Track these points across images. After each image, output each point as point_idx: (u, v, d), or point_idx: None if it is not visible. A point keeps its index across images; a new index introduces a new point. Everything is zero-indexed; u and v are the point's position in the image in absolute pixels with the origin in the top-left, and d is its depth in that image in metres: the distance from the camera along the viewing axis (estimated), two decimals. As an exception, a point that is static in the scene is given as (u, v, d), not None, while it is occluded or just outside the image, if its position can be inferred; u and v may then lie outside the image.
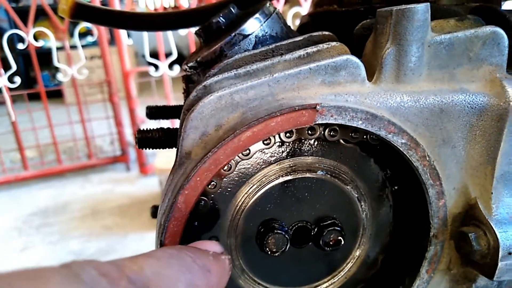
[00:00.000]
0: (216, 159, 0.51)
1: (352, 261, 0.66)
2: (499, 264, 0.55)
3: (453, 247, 0.61)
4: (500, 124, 0.57)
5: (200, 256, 0.46)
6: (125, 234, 2.96)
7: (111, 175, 4.20)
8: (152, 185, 3.73)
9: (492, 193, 0.58)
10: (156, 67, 3.95)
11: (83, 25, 4.73)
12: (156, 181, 3.56)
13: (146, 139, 0.66)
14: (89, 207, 3.48)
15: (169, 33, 3.65)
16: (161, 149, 0.69)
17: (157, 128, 0.67)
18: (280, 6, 3.80)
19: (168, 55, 3.90)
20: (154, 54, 3.90)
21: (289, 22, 3.64)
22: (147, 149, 0.67)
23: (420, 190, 0.59)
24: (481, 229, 0.57)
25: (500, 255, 0.55)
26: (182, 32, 3.99)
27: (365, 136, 0.60)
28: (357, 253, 0.66)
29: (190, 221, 0.56)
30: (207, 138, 0.54)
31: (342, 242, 0.61)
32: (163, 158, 3.27)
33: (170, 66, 3.96)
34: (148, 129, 0.67)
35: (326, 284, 0.67)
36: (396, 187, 0.65)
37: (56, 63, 3.99)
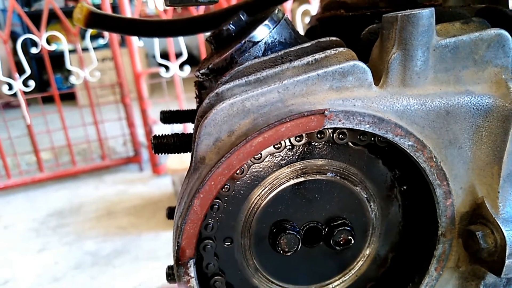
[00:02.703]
0: (229, 164, 0.53)
1: (362, 259, 0.68)
2: (507, 261, 0.56)
3: (461, 245, 0.62)
4: (505, 125, 0.58)
5: None
6: (139, 234, 3.00)
7: (125, 175, 4.25)
8: (165, 185, 3.77)
9: (499, 192, 0.59)
10: (167, 68, 3.98)
11: (94, 28, 4.77)
12: (169, 181, 3.59)
13: (162, 145, 0.69)
14: (103, 207, 3.53)
15: (179, 34, 3.66)
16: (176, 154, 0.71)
17: (172, 134, 0.70)
18: (288, 4, 3.79)
19: (178, 55, 3.92)
20: (165, 55, 3.93)
21: (298, 20, 3.64)
22: (163, 154, 0.70)
23: (428, 190, 0.60)
24: (488, 227, 0.59)
25: (507, 253, 0.56)
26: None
27: (373, 139, 0.61)
28: (367, 252, 0.68)
29: (205, 222, 0.59)
30: (220, 143, 0.56)
31: (352, 242, 0.63)
32: (176, 159, 3.29)
33: (181, 66, 3.99)
34: (164, 135, 0.70)
35: (337, 282, 0.69)
36: (404, 187, 0.66)
37: (68, 66, 4.04)
